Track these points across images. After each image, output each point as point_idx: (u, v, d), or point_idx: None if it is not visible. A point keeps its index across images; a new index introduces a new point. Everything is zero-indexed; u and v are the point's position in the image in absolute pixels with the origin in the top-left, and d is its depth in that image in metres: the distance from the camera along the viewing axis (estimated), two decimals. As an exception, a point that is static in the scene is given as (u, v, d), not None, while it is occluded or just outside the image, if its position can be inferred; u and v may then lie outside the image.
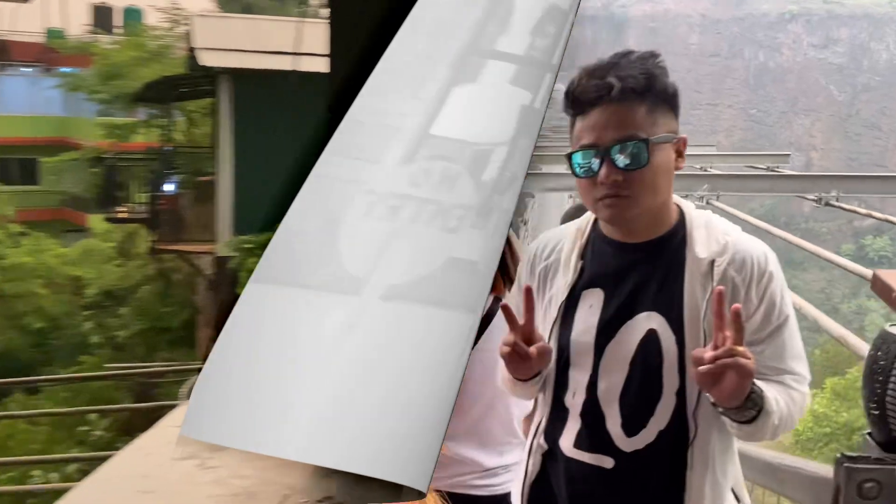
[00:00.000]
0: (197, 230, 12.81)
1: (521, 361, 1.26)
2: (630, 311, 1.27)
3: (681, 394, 1.24)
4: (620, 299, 1.28)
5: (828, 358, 20.08)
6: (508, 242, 1.82)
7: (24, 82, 21.27)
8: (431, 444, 0.61)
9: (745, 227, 1.68)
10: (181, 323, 13.60)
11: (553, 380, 1.35)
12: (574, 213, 2.43)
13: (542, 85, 0.68)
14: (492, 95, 0.64)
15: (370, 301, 0.59)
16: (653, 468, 1.27)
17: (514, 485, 1.79)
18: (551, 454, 1.36)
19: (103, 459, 0.76)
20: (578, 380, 1.31)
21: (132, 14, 20.43)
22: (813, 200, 5.62)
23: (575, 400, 1.32)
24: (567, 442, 1.33)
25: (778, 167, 8.17)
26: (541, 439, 1.38)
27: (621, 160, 1.20)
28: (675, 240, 1.28)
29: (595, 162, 1.22)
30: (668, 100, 1.25)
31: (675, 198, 1.32)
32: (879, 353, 1.32)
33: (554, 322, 1.33)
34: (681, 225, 1.29)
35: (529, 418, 1.82)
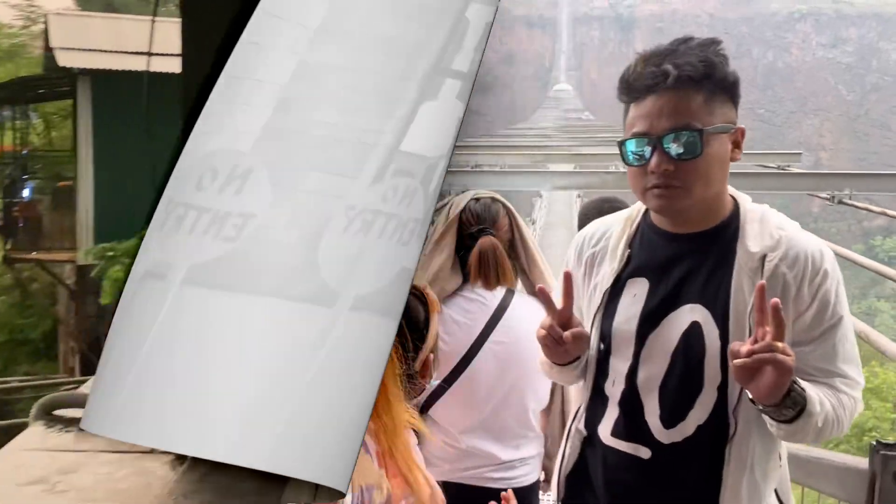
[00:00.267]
0: (56, 238, 12.20)
1: (556, 345, 1.25)
2: (674, 302, 1.25)
3: (722, 389, 1.21)
4: (666, 290, 1.26)
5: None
6: (522, 236, 1.82)
7: None
8: (352, 445, 0.64)
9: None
10: (41, 335, 13.03)
11: (594, 367, 1.34)
12: (593, 208, 2.41)
13: (469, 97, 0.72)
14: (444, 111, 0.68)
15: (342, 312, 0.63)
16: (690, 462, 1.24)
17: (531, 478, 1.78)
18: (590, 440, 1.36)
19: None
20: (619, 368, 1.30)
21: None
22: (826, 199, 5.59)
23: (614, 388, 1.30)
24: (605, 430, 1.32)
25: (789, 166, 8.13)
26: (580, 424, 1.38)
27: (674, 150, 1.18)
28: (727, 232, 1.25)
29: (647, 150, 1.19)
30: (727, 88, 1.21)
31: (731, 190, 1.28)
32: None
33: (597, 309, 1.32)
34: (734, 217, 1.26)
35: (546, 411, 1.82)
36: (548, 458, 1.82)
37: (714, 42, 1.22)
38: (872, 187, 6.13)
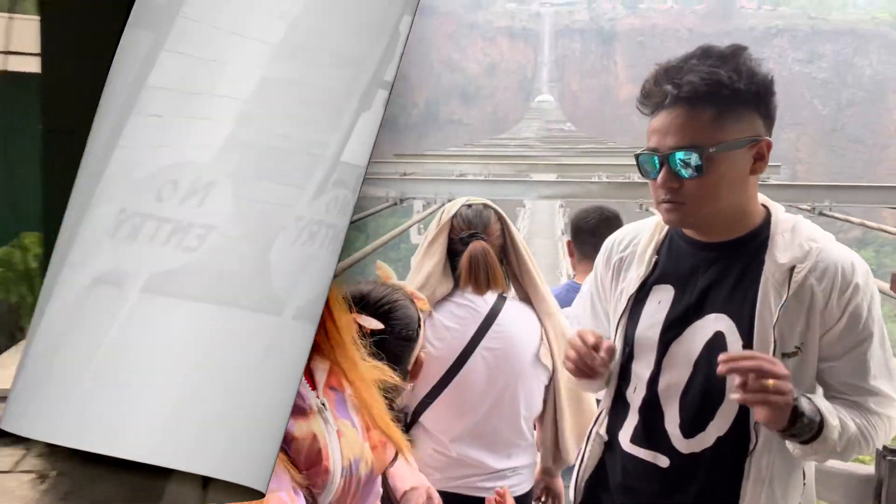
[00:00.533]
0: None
1: (588, 376, 1.28)
2: (699, 310, 1.24)
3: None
4: (691, 298, 1.25)
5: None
6: (514, 242, 1.80)
7: None
8: (272, 447, 0.66)
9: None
10: None
11: (617, 372, 1.33)
12: (584, 216, 2.41)
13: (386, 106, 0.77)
14: (374, 121, 0.72)
15: (287, 322, 0.65)
16: (708, 473, 1.23)
17: (523, 487, 1.75)
18: (610, 446, 1.35)
19: None
20: (641, 375, 1.29)
21: None
22: (807, 210, 5.65)
23: (636, 395, 1.30)
24: (625, 436, 1.31)
25: (769, 178, 8.23)
26: (601, 429, 1.37)
27: (679, 167, 1.17)
28: (756, 242, 1.23)
29: (656, 166, 1.19)
30: (748, 100, 1.16)
31: (764, 199, 1.27)
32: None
33: (622, 314, 1.32)
34: (765, 227, 1.23)
35: (539, 418, 1.80)
36: (549, 475, 1.81)
37: (735, 54, 1.17)
38: (852, 199, 6.22)
